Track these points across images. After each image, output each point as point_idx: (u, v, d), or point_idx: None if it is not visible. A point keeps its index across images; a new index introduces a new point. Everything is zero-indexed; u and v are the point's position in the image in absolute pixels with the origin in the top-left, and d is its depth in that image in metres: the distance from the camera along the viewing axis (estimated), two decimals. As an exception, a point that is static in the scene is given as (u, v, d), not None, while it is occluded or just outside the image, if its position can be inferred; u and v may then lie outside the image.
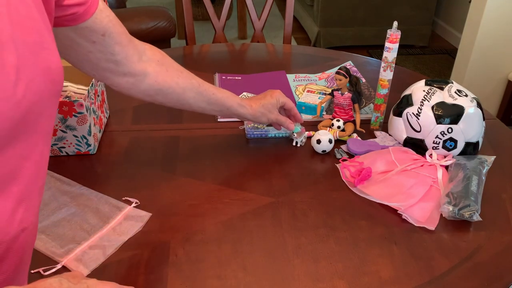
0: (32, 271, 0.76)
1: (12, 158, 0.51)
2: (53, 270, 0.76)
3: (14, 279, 0.57)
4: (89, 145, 1.04)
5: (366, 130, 1.16)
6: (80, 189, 0.94)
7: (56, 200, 0.91)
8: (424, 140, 1.04)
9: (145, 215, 0.88)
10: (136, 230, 0.85)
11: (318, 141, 1.06)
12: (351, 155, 1.07)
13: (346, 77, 1.11)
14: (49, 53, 0.55)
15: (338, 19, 3.53)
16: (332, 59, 1.58)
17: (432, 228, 0.87)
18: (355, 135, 1.13)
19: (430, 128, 1.02)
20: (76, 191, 0.94)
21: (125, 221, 0.87)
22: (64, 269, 0.77)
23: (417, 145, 1.06)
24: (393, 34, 1.06)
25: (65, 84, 1.12)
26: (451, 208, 0.88)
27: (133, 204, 0.91)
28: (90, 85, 1.04)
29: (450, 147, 1.03)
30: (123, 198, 0.92)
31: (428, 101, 1.03)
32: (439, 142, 1.03)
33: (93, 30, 0.73)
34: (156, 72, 0.88)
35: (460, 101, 1.02)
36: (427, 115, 1.02)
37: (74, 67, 1.12)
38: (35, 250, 0.80)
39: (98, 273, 0.76)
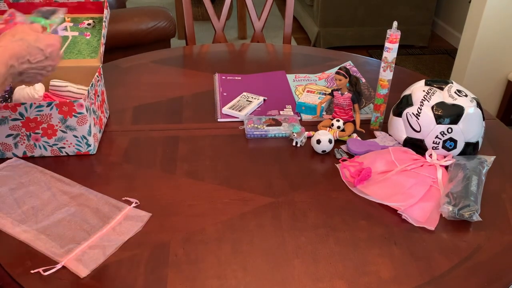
0: (32, 271, 0.76)
1: None
2: (53, 270, 0.76)
3: None
4: (89, 145, 1.04)
5: (366, 130, 1.16)
6: (80, 189, 0.94)
7: (56, 200, 0.91)
8: (424, 140, 1.04)
9: (145, 215, 0.88)
10: (136, 230, 0.85)
11: (318, 141, 1.06)
12: (351, 155, 1.07)
13: (346, 77, 1.12)
14: None
15: (338, 19, 3.53)
16: (332, 59, 1.58)
17: (432, 228, 0.87)
18: (355, 135, 1.13)
19: (430, 128, 1.03)
20: (76, 191, 0.94)
21: (125, 221, 0.87)
22: (64, 269, 0.77)
23: (417, 145, 1.06)
24: (393, 34, 1.06)
25: (65, 84, 1.12)
26: (451, 208, 0.88)
27: (133, 204, 0.91)
28: (90, 85, 1.04)
29: (450, 147, 1.03)
30: (123, 198, 0.92)
31: (428, 101, 1.03)
32: (439, 142, 1.03)
33: None
34: None
35: (460, 101, 1.02)
36: (427, 115, 1.02)
37: (75, 67, 1.13)
38: (35, 250, 0.80)
39: (98, 273, 0.77)
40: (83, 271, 0.76)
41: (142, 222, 0.87)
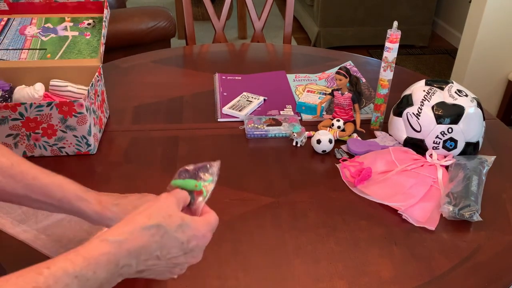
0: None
1: None
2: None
3: None
4: (89, 145, 1.04)
5: (366, 130, 1.16)
6: None
7: None
8: (424, 140, 1.04)
9: None
10: None
11: (318, 141, 1.06)
12: (351, 155, 1.07)
13: (346, 77, 1.11)
14: None
15: (338, 19, 3.53)
16: (332, 59, 1.57)
17: (432, 228, 0.87)
18: (355, 135, 1.13)
19: (430, 128, 1.02)
20: None
21: None
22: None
23: (417, 145, 1.06)
24: (393, 34, 1.06)
25: (65, 84, 1.12)
26: (451, 208, 0.88)
27: None
28: (90, 85, 1.04)
29: (450, 147, 1.03)
30: None
31: (428, 101, 1.03)
32: (439, 142, 1.03)
33: None
34: None
35: (460, 101, 1.02)
36: (427, 115, 1.02)
37: (75, 67, 1.13)
38: (35, 250, 0.80)
39: (98, 273, 0.76)
40: None
41: None
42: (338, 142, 1.12)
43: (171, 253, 0.58)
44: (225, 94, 1.31)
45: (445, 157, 1.03)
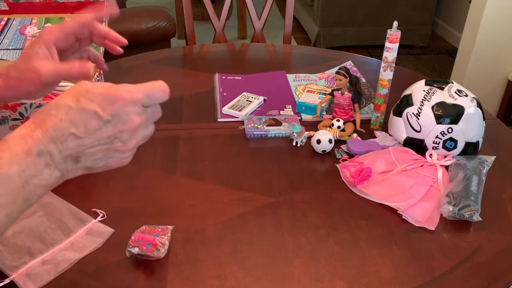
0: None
1: None
2: (1, 284, 0.73)
3: None
4: (89, 145, 1.04)
5: (366, 130, 1.16)
6: (50, 198, 0.89)
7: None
8: (424, 140, 1.04)
9: (107, 231, 0.84)
10: (94, 247, 0.80)
11: (318, 141, 1.06)
12: (351, 155, 1.07)
13: (346, 77, 1.11)
14: None
15: (338, 19, 3.53)
16: (332, 59, 1.58)
17: (432, 228, 0.87)
18: (355, 135, 1.13)
19: (430, 128, 1.02)
20: (45, 199, 0.88)
21: (86, 236, 0.82)
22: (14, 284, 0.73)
23: (417, 145, 1.06)
24: (393, 34, 1.06)
25: (65, 84, 1.11)
26: (451, 208, 0.88)
27: (98, 218, 0.86)
28: (90, 85, 1.04)
29: (450, 147, 1.03)
30: (92, 210, 0.88)
31: (428, 101, 1.03)
32: (439, 142, 1.03)
33: None
34: None
35: (460, 101, 1.02)
36: (427, 115, 1.02)
37: (74, 67, 1.12)
38: None
39: (98, 273, 0.76)
40: (30, 287, 0.72)
41: (102, 239, 0.82)
42: (338, 142, 1.12)
43: (92, 127, 0.53)
44: (225, 94, 1.31)
45: (445, 157, 1.03)
